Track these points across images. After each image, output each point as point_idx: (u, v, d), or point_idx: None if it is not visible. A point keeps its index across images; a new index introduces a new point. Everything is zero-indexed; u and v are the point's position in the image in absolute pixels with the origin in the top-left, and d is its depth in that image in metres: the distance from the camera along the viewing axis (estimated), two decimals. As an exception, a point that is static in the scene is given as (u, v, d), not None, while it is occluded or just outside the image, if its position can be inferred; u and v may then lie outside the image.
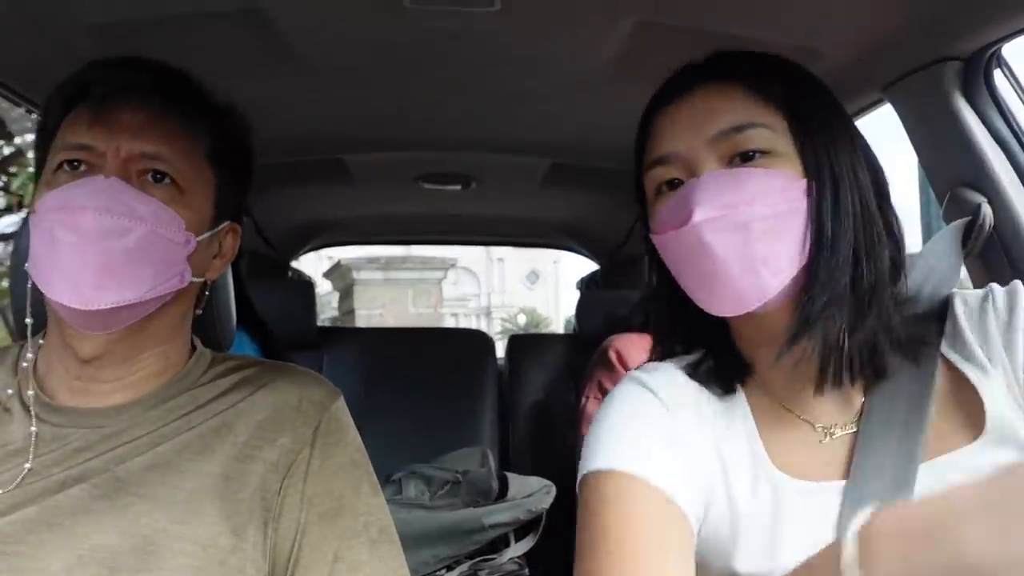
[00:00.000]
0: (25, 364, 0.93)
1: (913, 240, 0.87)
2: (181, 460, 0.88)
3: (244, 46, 1.33)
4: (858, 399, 0.83)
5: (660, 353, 0.93)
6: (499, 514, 1.97)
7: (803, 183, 0.77)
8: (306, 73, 1.47)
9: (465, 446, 2.29)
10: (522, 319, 29.28)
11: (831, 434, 0.82)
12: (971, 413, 0.77)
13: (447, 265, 9.50)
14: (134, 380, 0.92)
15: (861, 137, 0.85)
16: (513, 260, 32.24)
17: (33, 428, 0.88)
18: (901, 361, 0.80)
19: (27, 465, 0.85)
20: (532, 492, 2.05)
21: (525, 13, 1.20)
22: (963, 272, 0.98)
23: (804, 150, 0.79)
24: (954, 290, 0.84)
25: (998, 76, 1.16)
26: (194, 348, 1.00)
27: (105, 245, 0.81)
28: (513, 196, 2.62)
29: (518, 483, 2.07)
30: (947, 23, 1.08)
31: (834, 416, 0.83)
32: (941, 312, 0.83)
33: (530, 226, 3.17)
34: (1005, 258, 1.08)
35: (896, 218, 0.83)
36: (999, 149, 1.12)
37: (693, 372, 0.88)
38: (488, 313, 31.34)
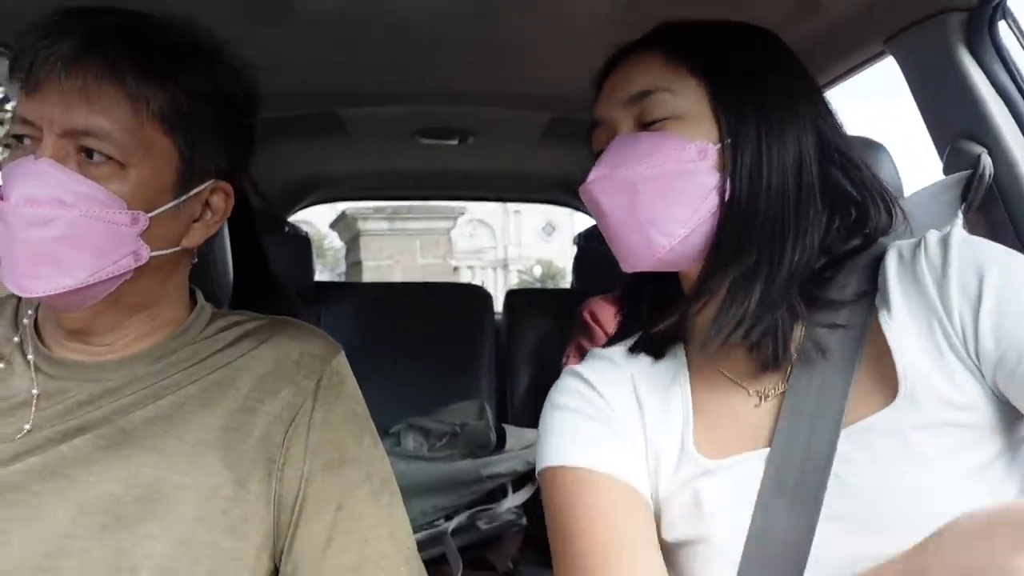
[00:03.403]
0: (26, 321, 0.93)
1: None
2: (184, 412, 0.89)
3: (237, -3, 1.31)
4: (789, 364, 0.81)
5: (625, 316, 0.97)
6: (497, 465, 2.00)
7: (701, 145, 0.78)
8: (299, 25, 1.44)
9: (463, 400, 2.31)
10: (538, 271, 29.16)
11: (764, 397, 0.82)
12: (889, 373, 0.75)
13: (455, 214, 9.25)
14: (126, 342, 0.92)
15: (822, 102, 0.84)
16: (529, 212, 31.85)
17: (33, 380, 0.88)
18: (834, 320, 0.79)
19: (30, 417, 0.86)
20: (529, 444, 2.07)
21: (523, -38, 1.18)
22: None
23: (720, 114, 0.79)
24: (892, 243, 0.82)
25: (1002, 27, 1.14)
26: (195, 302, 1.00)
27: (30, 235, 0.78)
28: (512, 151, 2.60)
29: (515, 435, 2.09)
30: (951, -28, 1.06)
31: (769, 380, 0.82)
32: (876, 264, 0.82)
33: (529, 181, 3.14)
34: (1004, 210, 1.08)
35: (866, 184, 0.82)
36: (1001, 101, 1.11)
37: (636, 346, 0.91)
38: (505, 266, 31.15)
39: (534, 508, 2.11)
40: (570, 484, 0.82)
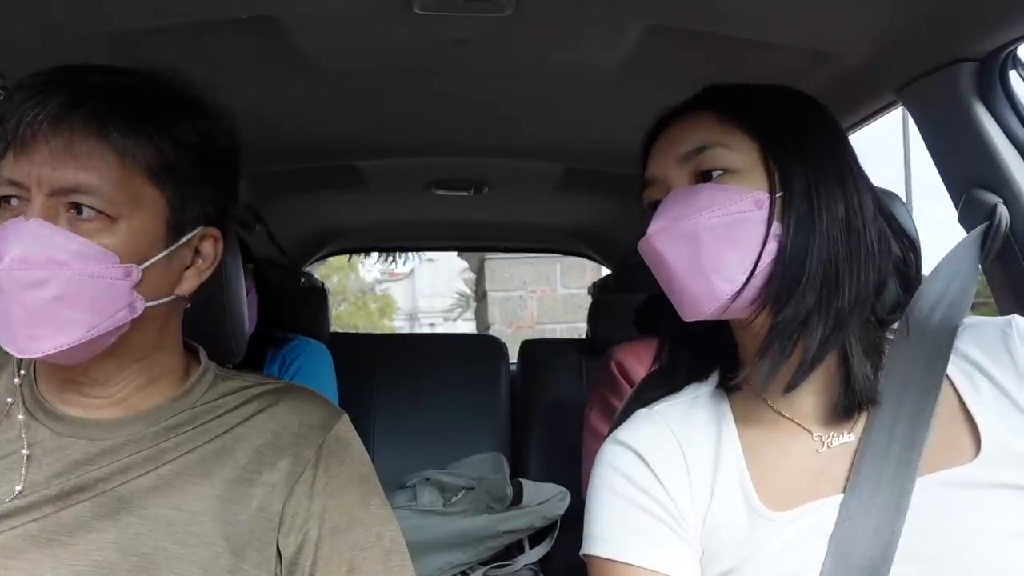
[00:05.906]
0: (21, 375, 0.92)
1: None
2: (182, 482, 0.88)
3: (256, 53, 1.33)
4: (859, 411, 0.84)
5: (665, 365, 0.98)
6: (514, 520, 1.97)
7: (757, 195, 0.81)
8: (318, 80, 1.47)
9: (478, 452, 2.29)
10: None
11: (828, 444, 0.84)
12: (970, 435, 0.80)
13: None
14: (122, 396, 0.91)
15: (855, 157, 0.89)
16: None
17: (24, 440, 0.87)
18: (906, 377, 0.83)
19: (25, 474, 0.85)
20: (546, 499, 2.05)
21: (535, 18, 1.20)
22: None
23: (772, 168, 0.83)
24: (967, 318, 0.88)
25: (1014, 77, 1.14)
26: (198, 361, 0.99)
27: (25, 297, 0.78)
28: (526, 201, 2.62)
29: (532, 490, 2.07)
30: (961, 24, 1.07)
31: (838, 426, 0.85)
32: (951, 333, 0.86)
33: (543, 231, 3.17)
34: (1021, 259, 1.07)
35: (906, 236, 0.89)
36: (1015, 151, 1.11)
37: (678, 397, 0.94)
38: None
39: (551, 565, 2.07)
40: None
